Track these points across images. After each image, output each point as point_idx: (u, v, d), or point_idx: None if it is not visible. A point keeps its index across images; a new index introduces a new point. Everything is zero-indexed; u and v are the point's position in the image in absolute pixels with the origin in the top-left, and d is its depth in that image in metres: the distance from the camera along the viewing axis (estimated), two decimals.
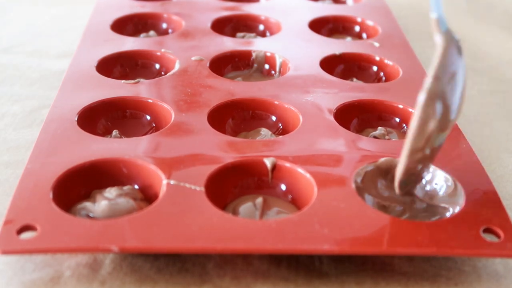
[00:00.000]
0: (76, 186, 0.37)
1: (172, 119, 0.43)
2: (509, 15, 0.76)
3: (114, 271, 0.34)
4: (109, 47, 0.54)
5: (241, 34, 0.59)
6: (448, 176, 0.38)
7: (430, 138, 0.34)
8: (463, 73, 0.35)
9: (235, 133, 0.44)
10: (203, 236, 0.33)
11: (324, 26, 0.62)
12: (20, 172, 0.38)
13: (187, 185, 0.36)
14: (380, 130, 0.44)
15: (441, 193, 0.38)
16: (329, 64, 0.53)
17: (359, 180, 0.38)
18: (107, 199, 0.36)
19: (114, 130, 0.43)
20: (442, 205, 0.37)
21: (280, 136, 0.43)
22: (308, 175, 0.38)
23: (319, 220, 0.34)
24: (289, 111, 0.45)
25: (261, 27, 0.62)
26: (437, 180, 0.39)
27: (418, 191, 0.38)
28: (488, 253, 0.33)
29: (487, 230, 0.34)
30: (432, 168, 0.39)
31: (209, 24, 0.60)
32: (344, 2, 0.70)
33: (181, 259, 0.35)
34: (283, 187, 0.39)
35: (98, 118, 0.44)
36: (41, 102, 0.51)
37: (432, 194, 0.38)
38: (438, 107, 0.33)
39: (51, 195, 0.35)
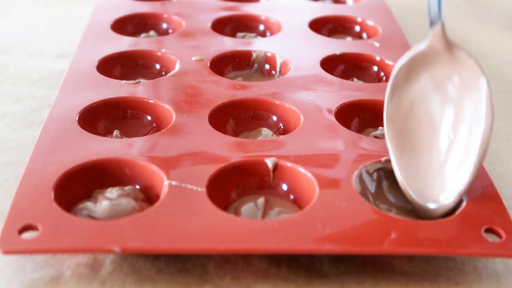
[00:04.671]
0: (77, 186, 0.37)
1: (173, 119, 0.43)
2: (509, 15, 0.76)
3: (115, 271, 0.34)
4: (109, 47, 0.54)
5: (242, 34, 0.59)
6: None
7: None
8: None
9: (236, 134, 0.44)
10: (205, 237, 0.33)
11: (324, 26, 0.62)
12: (20, 172, 0.38)
13: (189, 186, 0.36)
14: (381, 130, 0.44)
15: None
16: (330, 64, 0.53)
17: (360, 180, 0.38)
18: (108, 199, 0.36)
19: (115, 130, 0.43)
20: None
21: (281, 136, 0.43)
22: (309, 175, 0.38)
23: (321, 220, 0.34)
24: (290, 111, 0.45)
25: (262, 27, 0.62)
26: None
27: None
28: (490, 253, 0.33)
29: (489, 230, 0.34)
30: None
31: (209, 24, 0.60)
32: (344, 2, 0.70)
33: (182, 259, 0.35)
34: (285, 187, 0.39)
35: (99, 118, 0.44)
36: (41, 102, 0.51)
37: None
38: None
39: (52, 195, 0.35)
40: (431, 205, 0.36)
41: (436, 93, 0.37)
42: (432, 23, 0.37)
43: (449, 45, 0.37)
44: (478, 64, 0.36)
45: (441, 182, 0.36)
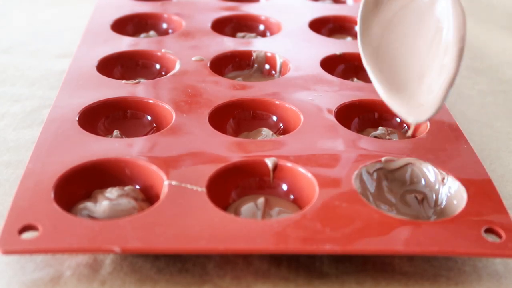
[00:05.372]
0: (77, 186, 0.37)
1: (173, 119, 0.43)
2: (509, 15, 0.76)
3: (115, 271, 0.34)
4: (109, 47, 0.54)
5: (242, 34, 0.59)
6: (458, 188, 0.38)
7: None
8: None
9: (236, 134, 0.44)
10: (205, 237, 0.33)
11: (324, 26, 0.62)
12: (20, 172, 0.38)
13: (189, 186, 0.36)
14: (381, 130, 0.44)
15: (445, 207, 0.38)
16: (330, 64, 0.53)
17: (360, 180, 0.38)
18: (108, 199, 0.36)
19: (115, 130, 0.43)
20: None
21: (281, 136, 0.43)
22: (309, 175, 0.38)
23: (321, 220, 0.34)
24: (290, 111, 0.45)
25: (261, 27, 0.62)
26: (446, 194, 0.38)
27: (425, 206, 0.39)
28: (490, 253, 0.33)
29: (489, 230, 0.34)
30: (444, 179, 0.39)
31: (209, 24, 0.60)
32: (344, 2, 0.70)
33: (182, 259, 0.35)
34: (285, 187, 0.39)
35: (99, 118, 0.44)
36: (41, 102, 0.51)
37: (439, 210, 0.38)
38: None
39: (52, 195, 0.35)
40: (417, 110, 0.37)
41: (407, 11, 0.38)
42: None
43: None
44: None
45: (425, 86, 0.37)
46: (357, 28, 0.39)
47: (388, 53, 0.39)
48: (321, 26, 0.62)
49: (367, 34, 0.39)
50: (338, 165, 0.39)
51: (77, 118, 0.43)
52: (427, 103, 0.36)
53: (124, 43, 0.55)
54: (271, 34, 0.61)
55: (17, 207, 0.34)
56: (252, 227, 0.34)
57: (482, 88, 0.57)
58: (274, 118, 0.46)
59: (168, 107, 0.45)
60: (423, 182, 0.39)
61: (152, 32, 0.59)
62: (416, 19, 0.38)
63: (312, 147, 0.41)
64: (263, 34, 0.61)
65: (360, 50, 0.39)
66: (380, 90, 0.38)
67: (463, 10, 0.36)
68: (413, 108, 0.37)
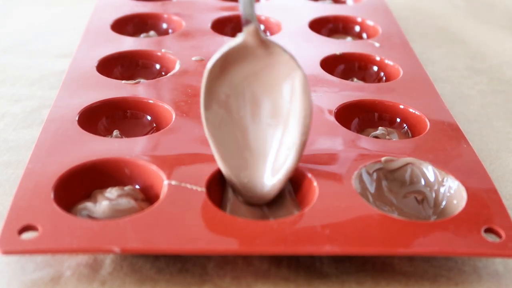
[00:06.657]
0: (77, 186, 0.37)
1: (173, 119, 0.43)
2: (509, 15, 0.76)
3: (115, 271, 0.34)
4: (109, 47, 0.54)
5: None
6: (459, 189, 0.38)
7: None
8: None
9: None
10: (205, 237, 0.33)
11: (324, 26, 0.62)
12: (20, 172, 0.38)
13: (188, 186, 0.36)
14: (380, 130, 0.44)
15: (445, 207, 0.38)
16: (330, 64, 0.53)
17: (360, 180, 0.38)
18: (108, 199, 0.36)
19: (115, 130, 0.43)
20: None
21: None
22: (309, 175, 0.38)
23: (321, 221, 0.34)
24: None
25: (261, 27, 0.62)
26: (448, 194, 0.38)
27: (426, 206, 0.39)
28: (490, 253, 0.33)
29: (489, 230, 0.34)
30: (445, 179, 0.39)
31: (209, 24, 0.60)
32: (344, 2, 0.70)
33: (182, 259, 0.35)
34: None
35: (99, 118, 0.44)
36: (41, 102, 0.51)
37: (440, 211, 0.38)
38: None
39: (52, 195, 0.35)
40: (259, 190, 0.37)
41: (252, 86, 0.37)
42: (246, 22, 0.36)
43: (263, 41, 0.36)
44: (293, 58, 0.36)
45: (262, 173, 0.37)
46: (201, 93, 0.37)
47: (231, 126, 0.37)
48: (321, 26, 0.62)
49: (210, 101, 0.37)
50: (338, 165, 0.39)
51: (77, 118, 0.43)
52: (267, 187, 0.37)
53: (124, 43, 0.55)
54: (271, 34, 0.61)
55: (17, 207, 0.34)
56: (252, 227, 0.34)
57: (482, 88, 0.57)
58: None
59: (168, 107, 0.45)
60: (423, 182, 0.39)
61: (152, 32, 0.59)
62: (262, 95, 0.37)
63: (311, 147, 0.41)
64: None
65: (202, 118, 0.37)
66: (221, 165, 0.37)
67: (310, 105, 0.36)
68: (255, 191, 0.37)
